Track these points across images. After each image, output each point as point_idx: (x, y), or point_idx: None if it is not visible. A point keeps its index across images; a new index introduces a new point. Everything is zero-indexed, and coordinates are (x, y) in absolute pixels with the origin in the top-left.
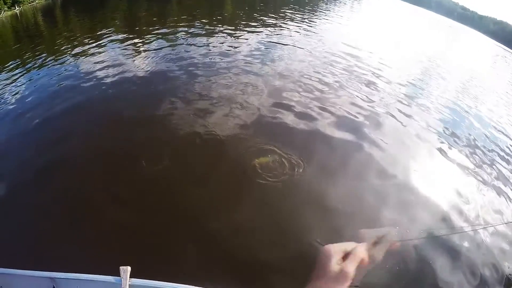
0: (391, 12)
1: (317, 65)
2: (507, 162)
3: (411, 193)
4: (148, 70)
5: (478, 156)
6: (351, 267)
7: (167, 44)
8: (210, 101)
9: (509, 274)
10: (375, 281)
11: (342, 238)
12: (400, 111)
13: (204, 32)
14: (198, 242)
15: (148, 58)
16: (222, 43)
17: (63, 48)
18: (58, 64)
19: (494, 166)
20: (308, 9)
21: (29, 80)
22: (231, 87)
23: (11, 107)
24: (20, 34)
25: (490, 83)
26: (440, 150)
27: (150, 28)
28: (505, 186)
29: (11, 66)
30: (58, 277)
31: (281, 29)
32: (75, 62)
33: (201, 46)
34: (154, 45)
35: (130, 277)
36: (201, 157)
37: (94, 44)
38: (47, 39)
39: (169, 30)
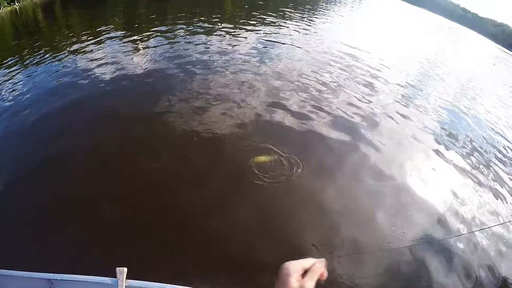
0: (391, 12)
1: (315, 64)
2: (504, 163)
3: (407, 194)
4: (147, 68)
5: (475, 158)
6: (310, 284)
7: (166, 41)
8: (208, 99)
9: (505, 276)
10: (371, 284)
11: (337, 238)
12: (397, 112)
13: (202, 30)
14: (194, 242)
15: (146, 55)
16: (221, 41)
17: (62, 44)
18: (56, 61)
19: (490, 168)
20: (307, 8)
21: (28, 76)
22: (229, 86)
23: (9, 103)
24: (20, 30)
25: (489, 85)
26: (437, 151)
27: (149, 26)
28: (502, 188)
29: (9, 62)
30: (55, 278)
31: (280, 28)
32: (73, 59)
33: (199, 44)
34: (152, 42)
35: (127, 278)
36: (199, 156)
37: (93, 41)
38: (46, 36)
39: (168, 28)
